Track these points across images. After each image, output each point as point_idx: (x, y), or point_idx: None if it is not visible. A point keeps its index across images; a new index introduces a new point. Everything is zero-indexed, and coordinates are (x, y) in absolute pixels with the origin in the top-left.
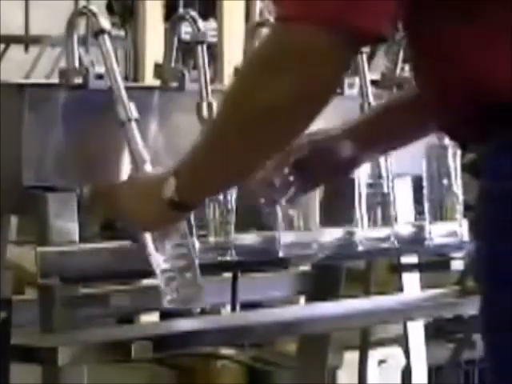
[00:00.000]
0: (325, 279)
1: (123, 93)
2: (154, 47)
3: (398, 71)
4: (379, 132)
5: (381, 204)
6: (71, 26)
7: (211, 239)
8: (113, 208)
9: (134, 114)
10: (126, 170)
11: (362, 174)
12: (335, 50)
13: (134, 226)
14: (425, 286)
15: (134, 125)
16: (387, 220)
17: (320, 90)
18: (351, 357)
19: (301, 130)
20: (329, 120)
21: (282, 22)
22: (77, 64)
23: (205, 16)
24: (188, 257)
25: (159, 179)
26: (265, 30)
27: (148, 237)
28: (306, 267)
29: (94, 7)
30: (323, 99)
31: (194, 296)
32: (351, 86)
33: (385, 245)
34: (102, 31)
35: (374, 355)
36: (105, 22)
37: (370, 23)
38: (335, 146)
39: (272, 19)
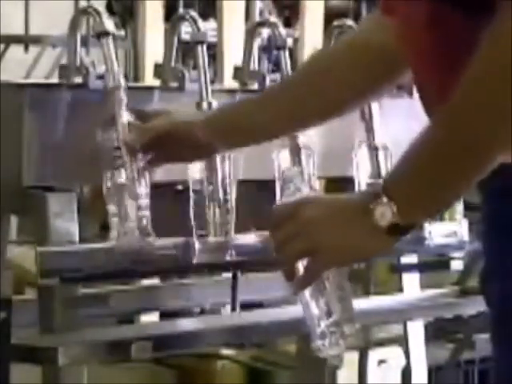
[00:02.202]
0: None
1: (124, 97)
2: (153, 47)
3: None
4: (234, 128)
5: None
6: (74, 24)
7: (211, 239)
8: (308, 241)
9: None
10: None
11: (362, 174)
12: None
13: (334, 261)
14: (425, 286)
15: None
16: None
17: None
18: (351, 357)
19: None
20: None
21: None
22: (78, 63)
23: (205, 16)
24: (347, 303)
25: (360, 203)
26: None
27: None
28: None
29: (98, 7)
30: None
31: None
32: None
33: None
34: (105, 33)
35: (374, 355)
36: (109, 24)
37: None
38: (192, 132)
39: None
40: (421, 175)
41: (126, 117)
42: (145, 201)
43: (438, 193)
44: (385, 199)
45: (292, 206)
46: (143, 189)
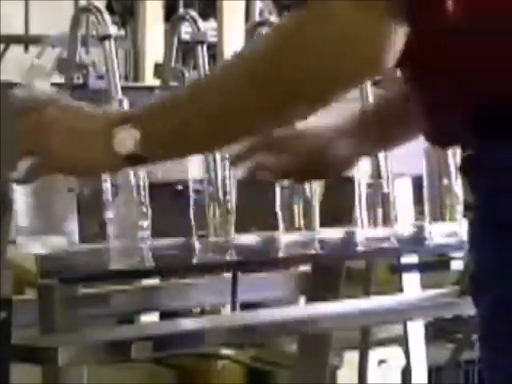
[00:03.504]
0: (325, 279)
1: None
2: (153, 47)
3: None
4: (375, 132)
5: (381, 204)
6: (75, 21)
7: (211, 239)
8: (41, 141)
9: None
10: None
11: (362, 174)
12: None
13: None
14: (425, 286)
15: None
16: (387, 220)
17: (365, 73)
18: (351, 357)
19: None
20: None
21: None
22: (77, 60)
23: (205, 16)
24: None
25: (105, 122)
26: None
27: None
28: (305, 267)
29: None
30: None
31: None
32: None
33: (385, 245)
34: (108, 36)
35: (374, 355)
36: (111, 26)
37: None
38: (329, 146)
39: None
40: (175, 116)
41: None
42: (145, 222)
43: (186, 141)
44: (129, 126)
45: (42, 103)
46: (144, 209)
